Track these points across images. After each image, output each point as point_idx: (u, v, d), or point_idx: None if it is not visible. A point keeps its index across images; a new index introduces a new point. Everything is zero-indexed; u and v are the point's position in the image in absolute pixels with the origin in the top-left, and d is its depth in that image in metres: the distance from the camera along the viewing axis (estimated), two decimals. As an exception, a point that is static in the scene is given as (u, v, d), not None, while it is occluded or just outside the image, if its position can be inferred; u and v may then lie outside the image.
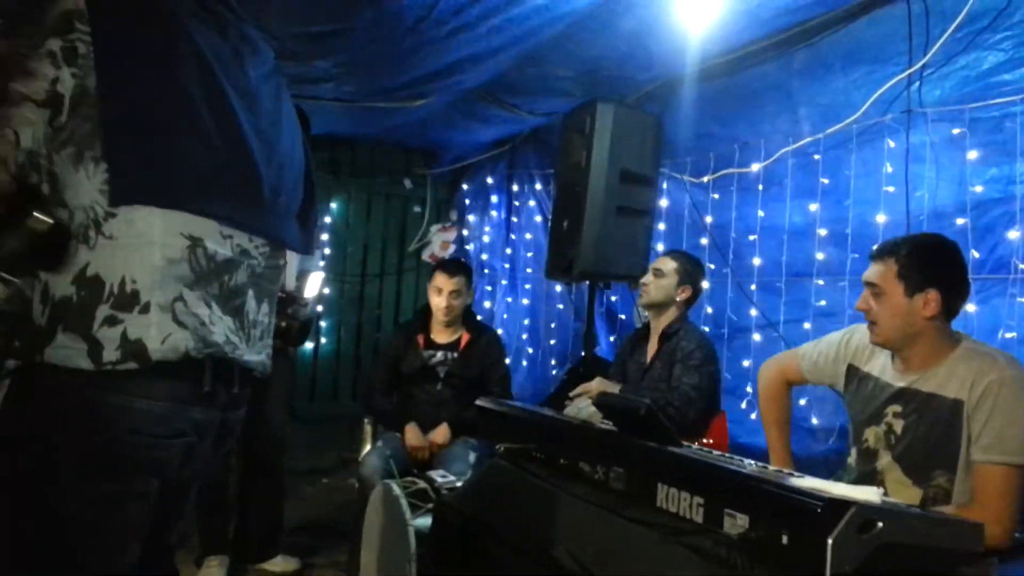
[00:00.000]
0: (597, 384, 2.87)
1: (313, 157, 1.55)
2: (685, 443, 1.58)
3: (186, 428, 1.24)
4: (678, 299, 2.97)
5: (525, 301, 4.89)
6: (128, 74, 1.15)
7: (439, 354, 3.33)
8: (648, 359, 2.99)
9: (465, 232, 5.65)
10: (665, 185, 3.75)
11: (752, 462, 1.54)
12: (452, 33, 3.16)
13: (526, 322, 4.82)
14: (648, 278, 3.01)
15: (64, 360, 1.15)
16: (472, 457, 3.12)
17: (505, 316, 5.06)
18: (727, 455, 1.58)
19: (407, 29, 3.03)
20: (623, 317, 4.05)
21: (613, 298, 4.06)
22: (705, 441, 2.74)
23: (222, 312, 1.27)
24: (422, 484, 2.17)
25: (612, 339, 4.10)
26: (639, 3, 2.95)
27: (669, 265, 3.00)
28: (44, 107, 1.11)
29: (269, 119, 1.36)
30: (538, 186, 4.84)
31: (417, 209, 5.82)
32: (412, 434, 3.17)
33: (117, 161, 1.14)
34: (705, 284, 3.20)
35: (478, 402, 2.11)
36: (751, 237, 3.30)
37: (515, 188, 5.07)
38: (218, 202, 1.23)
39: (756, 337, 3.23)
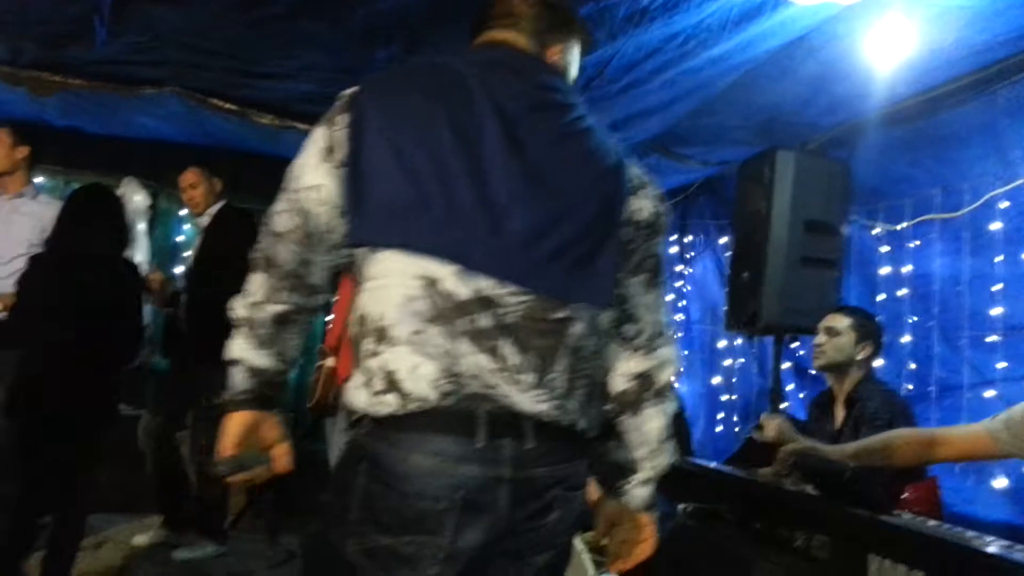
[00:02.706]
0: (776, 424, 2.59)
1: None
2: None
3: (458, 484, 1.21)
4: (858, 358, 2.72)
5: (701, 354, 4.75)
6: None
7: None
8: (837, 426, 2.76)
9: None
10: (853, 233, 3.53)
11: (976, 534, 1.38)
12: (624, 90, 3.20)
13: (703, 377, 4.67)
14: (821, 338, 2.79)
15: (354, 401, 1.28)
16: (654, 516, 3.01)
17: (681, 371, 4.94)
18: (946, 526, 1.43)
19: (579, 90, 3.11)
20: (813, 372, 3.82)
21: (800, 352, 3.85)
22: (913, 509, 2.49)
23: (473, 348, 1.22)
24: (604, 540, 2.12)
25: (801, 396, 3.87)
26: (821, 46, 2.85)
27: (842, 322, 2.77)
28: None
29: (547, 162, 1.31)
30: (713, 237, 4.73)
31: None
32: (592, 488, 3.12)
33: (357, 203, 1.25)
34: (907, 338, 2.96)
35: (661, 459, 2.04)
36: (957, 287, 3.02)
37: (687, 239, 4.99)
38: (453, 244, 1.23)
39: (968, 396, 2.93)
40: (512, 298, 1.24)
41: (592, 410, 1.36)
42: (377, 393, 1.22)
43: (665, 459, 1.48)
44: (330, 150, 1.27)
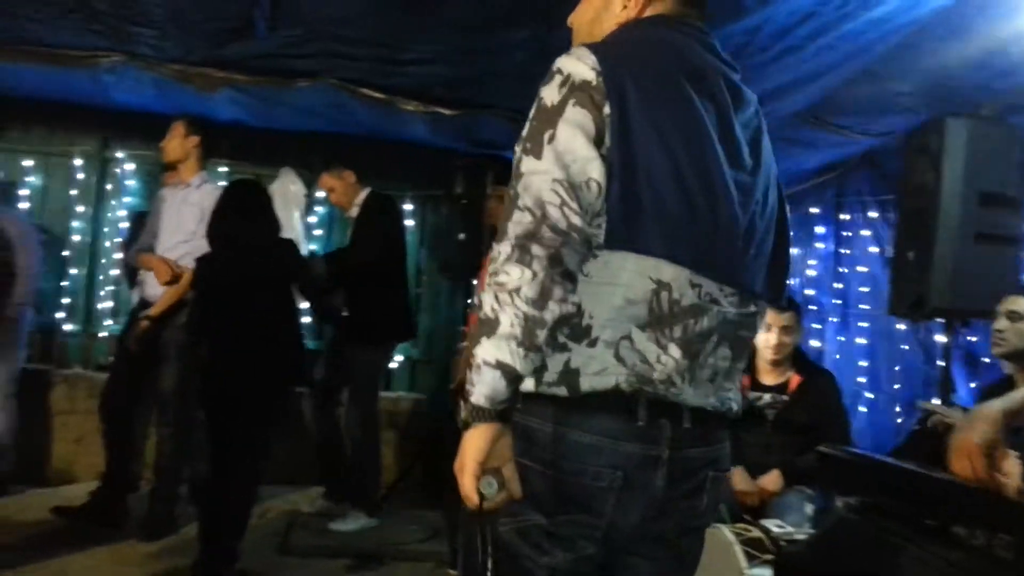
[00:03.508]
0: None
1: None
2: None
3: (618, 462, 1.22)
4: None
5: (860, 340, 4.45)
6: None
7: (766, 396, 3.15)
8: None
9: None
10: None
11: None
12: (776, 58, 3.03)
13: (862, 364, 4.38)
14: (1003, 323, 2.53)
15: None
16: (809, 509, 2.87)
17: (837, 357, 4.65)
18: None
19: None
20: (987, 360, 3.50)
21: (973, 338, 3.53)
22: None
23: (679, 355, 1.24)
24: (756, 532, 2.04)
25: (973, 386, 3.56)
26: (994, 2, 2.58)
27: None
28: None
29: (748, 167, 1.33)
30: (872, 214, 4.41)
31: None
32: (740, 478, 3.02)
33: (614, 208, 1.19)
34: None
35: (820, 449, 1.94)
36: None
37: (844, 217, 4.68)
38: (691, 251, 1.23)
39: None
40: (727, 299, 1.28)
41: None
42: (548, 383, 1.21)
43: None
44: (600, 138, 1.19)
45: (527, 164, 1.19)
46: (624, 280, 1.21)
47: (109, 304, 4.90)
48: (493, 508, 1.15)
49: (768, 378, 3.18)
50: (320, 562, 3.50)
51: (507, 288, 1.13)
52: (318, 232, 5.11)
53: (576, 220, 1.16)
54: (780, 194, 1.42)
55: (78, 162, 4.88)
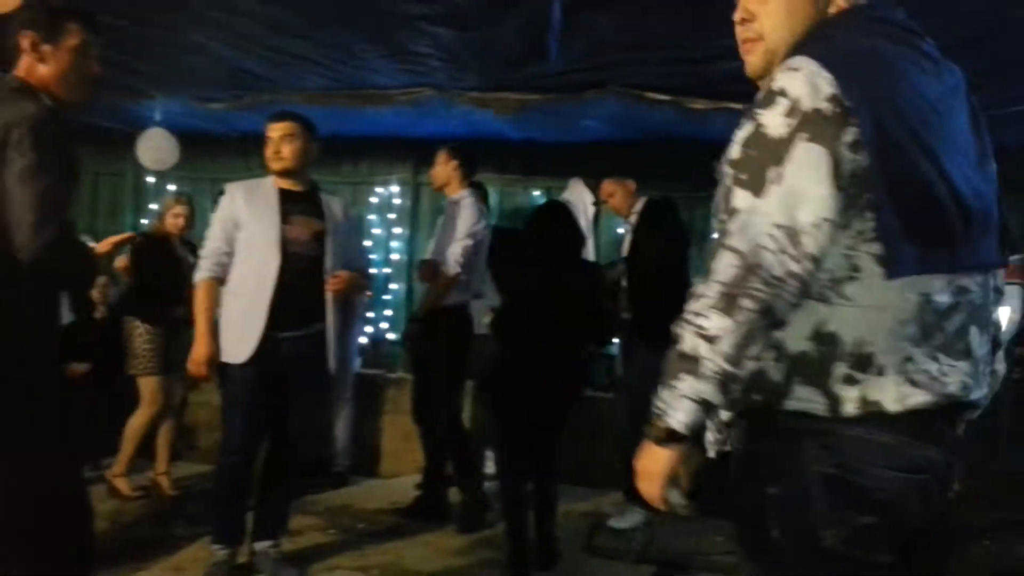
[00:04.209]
0: None
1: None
2: None
3: (923, 464, 1.21)
4: None
5: None
6: None
7: None
8: None
9: None
10: None
11: None
12: None
13: None
14: None
15: (802, 408, 1.22)
16: None
17: None
18: None
19: None
20: None
21: None
22: None
23: (952, 360, 1.22)
24: None
25: None
26: None
27: None
28: None
29: (975, 148, 1.27)
30: None
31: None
32: None
33: (894, 237, 1.16)
34: None
35: None
36: None
37: None
38: (946, 253, 1.20)
39: None
40: (976, 285, 1.25)
41: None
42: (846, 419, 1.19)
43: None
44: (838, 171, 1.13)
45: (744, 200, 1.15)
46: (891, 300, 1.17)
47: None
48: (678, 513, 1.28)
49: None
50: (624, 566, 3.53)
51: (706, 334, 1.14)
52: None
53: (794, 267, 1.12)
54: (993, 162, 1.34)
55: (395, 188, 5.45)
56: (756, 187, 1.14)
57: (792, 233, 1.12)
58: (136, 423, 4.11)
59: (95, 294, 4.30)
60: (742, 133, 1.20)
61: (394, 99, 4.16)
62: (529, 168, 5.24)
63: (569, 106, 4.07)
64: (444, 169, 3.95)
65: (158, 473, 4.23)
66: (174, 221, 4.23)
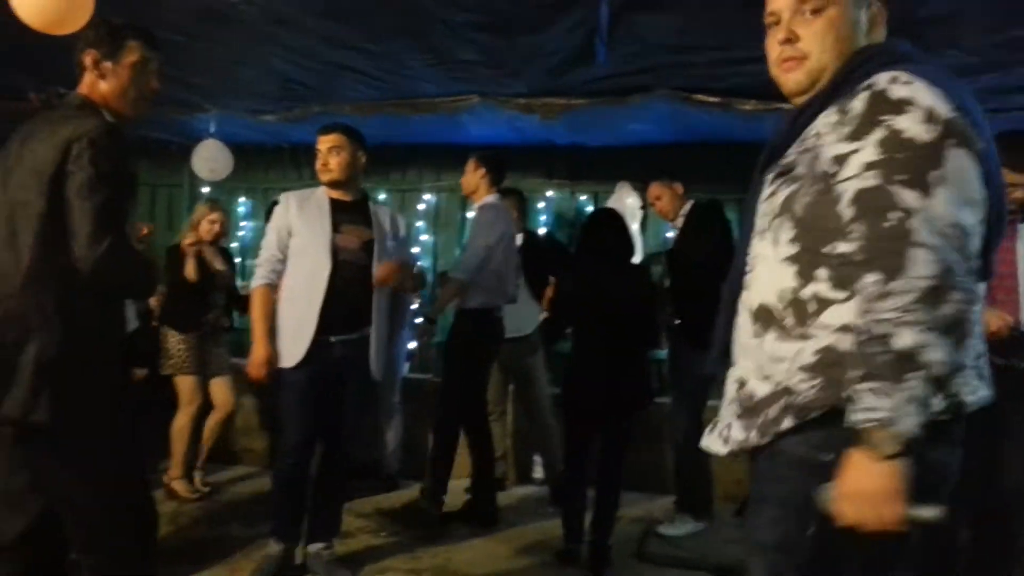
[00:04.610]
0: None
1: None
2: None
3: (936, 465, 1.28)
4: None
5: None
6: None
7: None
8: None
9: None
10: None
11: None
12: None
13: None
14: None
15: None
16: None
17: None
18: None
19: None
20: None
21: None
22: None
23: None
24: None
25: None
26: None
27: None
28: None
29: None
30: None
31: None
32: None
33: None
34: None
35: None
36: None
37: None
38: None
39: None
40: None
41: None
42: (936, 412, 1.20)
43: None
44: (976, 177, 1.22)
45: (915, 200, 1.17)
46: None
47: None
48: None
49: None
50: (677, 572, 3.49)
51: (929, 327, 1.13)
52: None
53: (968, 264, 1.18)
54: None
55: (442, 195, 5.50)
56: (923, 187, 1.17)
57: (963, 233, 1.17)
58: (179, 424, 4.21)
59: (152, 302, 4.42)
60: (874, 136, 1.22)
61: (441, 107, 4.20)
62: (576, 173, 5.24)
63: (616, 109, 4.06)
64: (472, 177, 3.99)
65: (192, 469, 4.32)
66: (209, 228, 4.31)
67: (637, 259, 4.80)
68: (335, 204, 3.18)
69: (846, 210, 1.23)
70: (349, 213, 3.18)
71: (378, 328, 3.20)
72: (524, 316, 4.27)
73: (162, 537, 3.36)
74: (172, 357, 4.18)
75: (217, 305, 4.33)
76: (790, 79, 1.42)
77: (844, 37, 1.38)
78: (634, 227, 4.83)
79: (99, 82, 2.07)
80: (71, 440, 1.92)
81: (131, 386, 2.85)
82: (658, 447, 4.24)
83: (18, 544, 2.02)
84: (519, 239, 4.33)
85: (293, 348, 3.06)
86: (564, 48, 3.27)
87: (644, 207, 4.92)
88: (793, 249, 1.33)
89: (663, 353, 4.70)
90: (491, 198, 3.95)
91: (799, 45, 1.39)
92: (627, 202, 4.89)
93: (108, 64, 2.07)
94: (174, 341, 4.18)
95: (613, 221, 3.49)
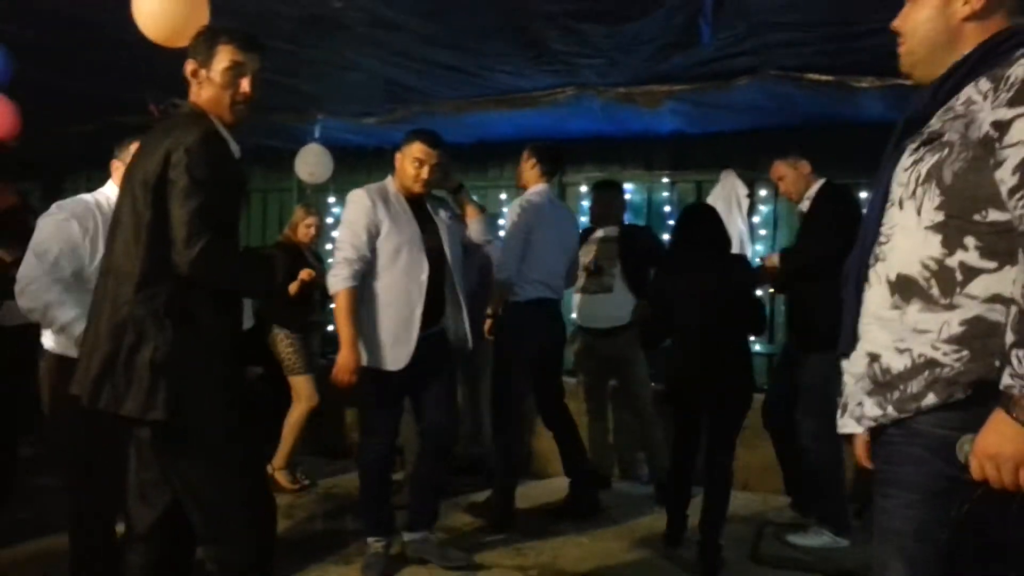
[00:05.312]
0: None
1: None
2: None
3: None
4: None
5: None
6: None
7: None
8: None
9: None
10: None
11: None
12: None
13: None
14: None
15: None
16: None
17: None
18: None
19: None
20: None
21: None
22: None
23: None
24: None
25: None
26: None
27: None
28: None
29: None
30: None
31: None
32: None
33: None
34: None
35: None
36: None
37: None
38: None
39: None
40: None
41: None
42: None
43: None
44: None
45: None
46: None
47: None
48: None
49: None
50: (792, 574, 3.35)
51: None
52: (763, 232, 4.96)
53: None
54: None
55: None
56: None
57: None
58: (292, 418, 4.37)
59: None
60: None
61: (538, 101, 4.17)
62: (678, 163, 5.10)
63: (721, 93, 3.91)
64: (525, 167, 3.97)
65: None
66: (306, 231, 4.46)
67: (747, 249, 4.65)
68: (408, 201, 3.22)
69: (1010, 177, 1.19)
70: (420, 211, 3.24)
71: (462, 305, 3.30)
72: (621, 306, 4.20)
73: (279, 530, 3.50)
74: (284, 359, 4.34)
75: (317, 304, 4.50)
76: (900, 59, 1.49)
77: (933, 29, 1.42)
78: (739, 217, 4.67)
79: (200, 90, 2.12)
80: (190, 435, 2.01)
81: (247, 383, 2.95)
82: (761, 444, 4.04)
83: (151, 535, 2.13)
84: (614, 231, 4.27)
85: (396, 352, 3.08)
86: (666, 32, 3.17)
87: (751, 195, 4.74)
88: (939, 217, 1.30)
89: (772, 347, 4.53)
90: (536, 188, 3.92)
91: (900, 31, 1.47)
92: (733, 191, 4.74)
93: (203, 72, 2.10)
94: (283, 345, 4.33)
95: (706, 214, 3.47)
